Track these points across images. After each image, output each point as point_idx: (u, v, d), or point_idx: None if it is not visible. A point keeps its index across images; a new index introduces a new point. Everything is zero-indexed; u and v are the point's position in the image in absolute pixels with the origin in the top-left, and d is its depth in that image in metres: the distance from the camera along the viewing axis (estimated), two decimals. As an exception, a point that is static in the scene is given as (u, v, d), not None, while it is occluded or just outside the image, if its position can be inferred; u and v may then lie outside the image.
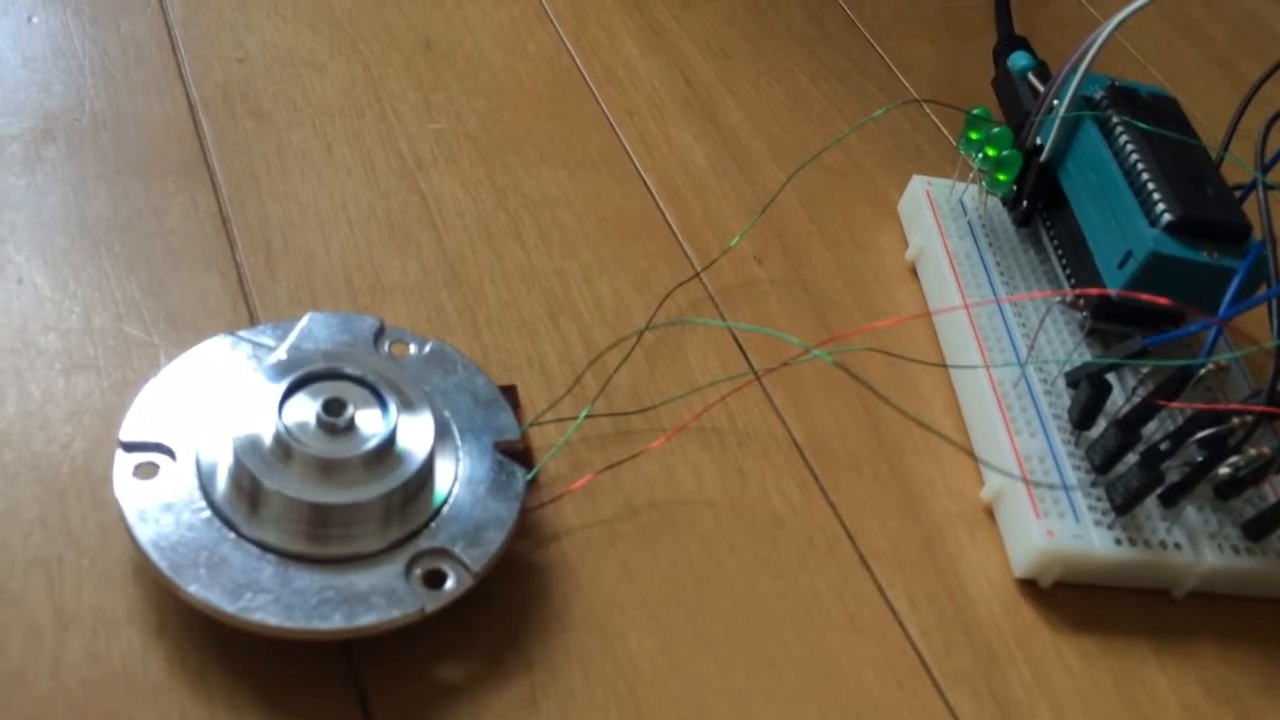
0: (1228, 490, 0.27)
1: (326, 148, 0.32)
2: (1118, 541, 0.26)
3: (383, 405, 0.23)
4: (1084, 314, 0.30)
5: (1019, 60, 0.34)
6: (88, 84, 0.31)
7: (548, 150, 0.34)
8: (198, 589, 0.20)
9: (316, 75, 0.34)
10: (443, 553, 0.22)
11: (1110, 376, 0.28)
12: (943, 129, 0.38)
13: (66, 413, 0.24)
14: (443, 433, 0.24)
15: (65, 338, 0.26)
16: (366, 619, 0.21)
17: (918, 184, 0.34)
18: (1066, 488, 0.26)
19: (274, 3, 0.35)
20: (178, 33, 0.34)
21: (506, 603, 0.23)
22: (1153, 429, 0.27)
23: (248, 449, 0.22)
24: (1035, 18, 0.45)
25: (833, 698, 0.24)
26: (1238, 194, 0.29)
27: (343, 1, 0.36)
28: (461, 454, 0.24)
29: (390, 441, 0.22)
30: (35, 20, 0.33)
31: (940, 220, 0.32)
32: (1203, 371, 0.27)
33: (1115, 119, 0.30)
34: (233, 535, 0.21)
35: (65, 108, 0.31)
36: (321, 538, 0.21)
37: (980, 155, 0.32)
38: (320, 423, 0.22)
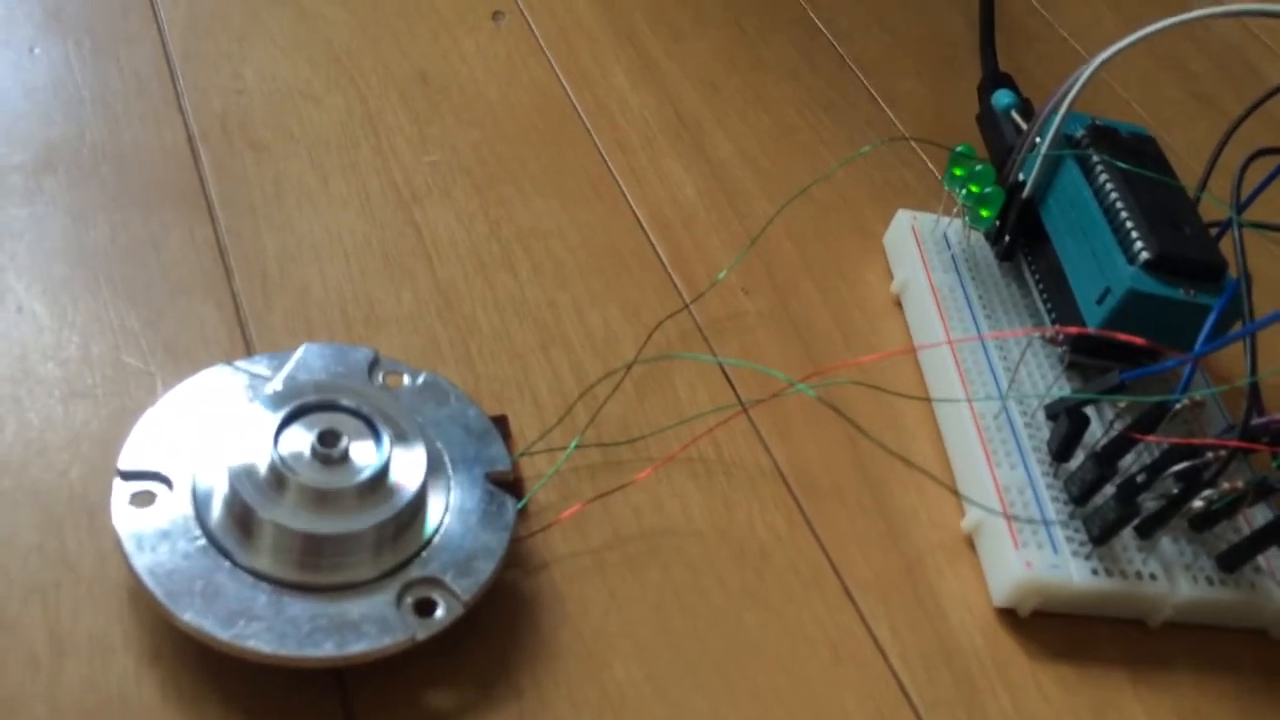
0: (1202, 523, 0.27)
1: (323, 179, 0.32)
2: (1095, 572, 0.26)
3: (376, 436, 0.23)
4: (1063, 348, 0.30)
5: (1002, 98, 0.35)
6: (88, 115, 0.32)
7: (541, 182, 0.34)
8: (192, 616, 0.21)
9: (314, 107, 0.34)
10: (434, 582, 0.23)
11: (1088, 410, 0.28)
12: (929, 164, 0.39)
13: (65, 441, 0.25)
14: (435, 463, 0.24)
15: (64, 366, 0.26)
16: (358, 647, 0.21)
17: (903, 218, 0.34)
18: (1045, 520, 0.27)
19: (272, 35, 0.36)
20: (177, 64, 0.34)
21: (496, 631, 0.24)
22: (1130, 462, 0.28)
23: (243, 478, 0.22)
24: (1021, 54, 0.46)
25: (815, 726, 0.24)
26: (1214, 232, 0.30)
27: (340, 35, 0.37)
28: (453, 484, 0.24)
29: (383, 473, 0.23)
30: (37, 51, 0.33)
31: (925, 254, 0.33)
32: (1179, 406, 0.27)
33: (1095, 158, 0.31)
34: (227, 564, 0.22)
35: (65, 138, 0.31)
36: (314, 566, 0.22)
37: (964, 191, 0.32)
38: (315, 453, 0.22)
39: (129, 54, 0.34)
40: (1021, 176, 0.32)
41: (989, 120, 0.35)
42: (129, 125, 0.32)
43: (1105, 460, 0.27)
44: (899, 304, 0.34)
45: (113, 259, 0.29)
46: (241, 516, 0.22)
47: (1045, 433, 0.29)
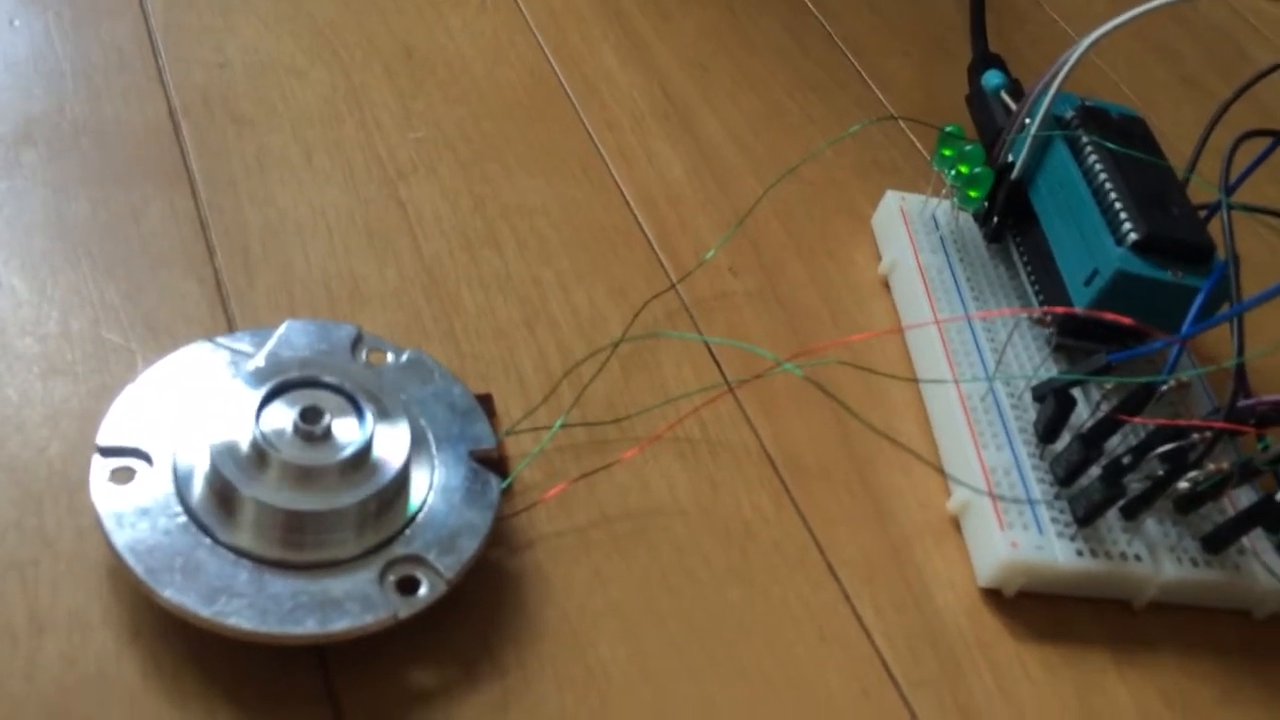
0: (1187, 504, 0.27)
1: (306, 155, 0.32)
2: (1080, 553, 0.26)
3: (359, 414, 0.23)
4: (1051, 330, 0.30)
5: (992, 79, 0.35)
6: (68, 88, 0.31)
7: (527, 160, 0.34)
8: (173, 593, 0.21)
9: (297, 82, 0.34)
10: (417, 560, 0.22)
11: (1075, 391, 0.28)
12: (918, 145, 0.39)
13: (44, 417, 0.24)
14: (418, 441, 0.24)
15: (43, 342, 0.26)
16: (340, 624, 0.21)
17: (891, 199, 0.34)
18: (1031, 501, 0.27)
19: (255, 8, 0.36)
20: (159, 37, 0.34)
21: (480, 609, 0.24)
22: (1115, 443, 0.28)
23: (224, 455, 0.22)
24: (1012, 35, 0.46)
25: (800, 705, 0.24)
26: (1203, 214, 0.30)
27: (324, 8, 0.37)
28: (437, 462, 0.24)
29: (366, 450, 0.22)
30: (17, 24, 0.33)
31: (913, 235, 0.33)
32: (1165, 388, 0.27)
33: (1085, 139, 0.31)
34: (208, 540, 0.21)
35: (46, 111, 0.31)
36: (297, 544, 0.22)
37: (953, 172, 0.32)
38: (297, 430, 0.22)
39: (110, 27, 0.34)
40: (1011, 157, 0.32)
41: (979, 101, 0.35)
42: (110, 99, 0.32)
43: (1091, 442, 0.27)
44: (887, 285, 0.34)
45: (93, 233, 0.28)
46: (223, 493, 0.22)
47: (1032, 414, 0.29)
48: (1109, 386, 0.28)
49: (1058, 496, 0.27)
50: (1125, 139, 0.31)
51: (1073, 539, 0.27)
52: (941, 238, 0.33)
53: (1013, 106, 0.33)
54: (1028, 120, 0.32)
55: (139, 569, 0.21)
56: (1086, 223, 0.29)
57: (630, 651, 0.24)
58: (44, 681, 0.21)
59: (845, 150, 0.38)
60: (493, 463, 0.25)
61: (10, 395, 0.25)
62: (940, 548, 0.28)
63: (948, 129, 0.32)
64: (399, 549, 0.22)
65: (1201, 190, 0.31)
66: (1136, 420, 0.27)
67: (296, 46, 0.35)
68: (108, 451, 0.22)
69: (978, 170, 0.32)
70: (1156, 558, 0.27)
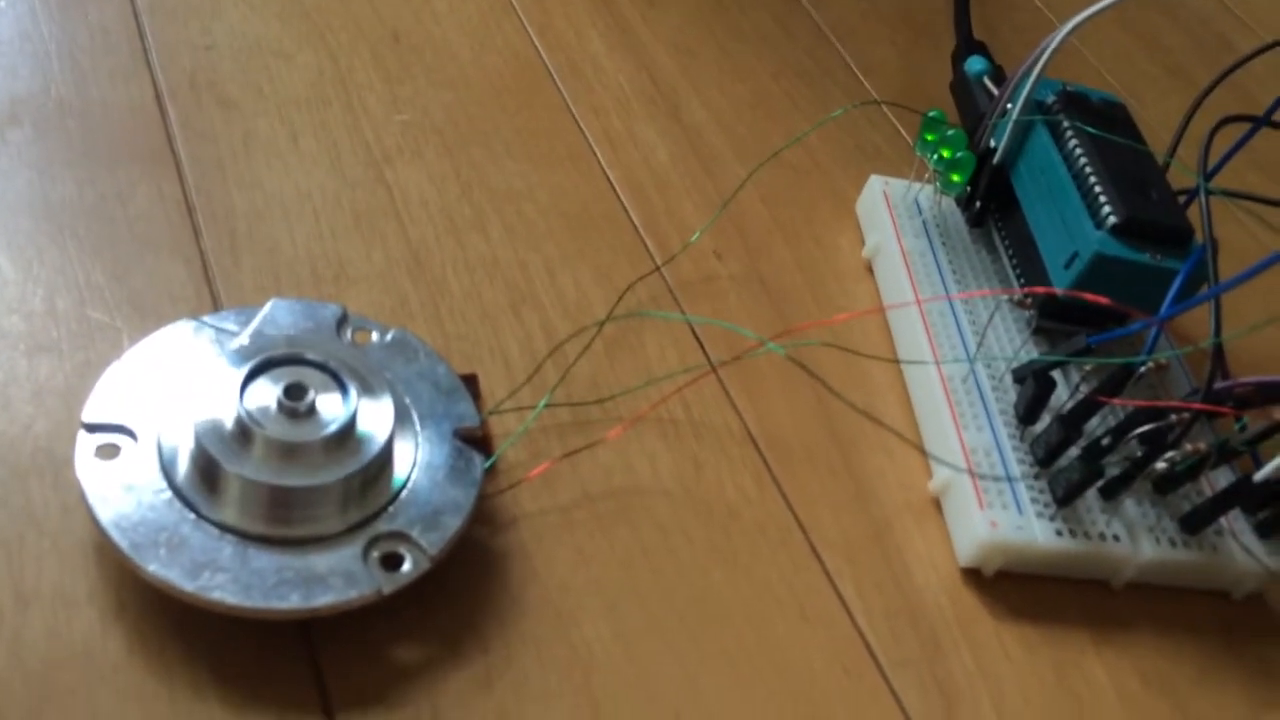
0: (1166, 485, 0.28)
1: (293, 137, 0.32)
2: (1059, 533, 0.27)
3: (343, 390, 0.23)
4: (1031, 312, 0.31)
5: (975, 64, 0.35)
6: (54, 69, 0.31)
7: (513, 144, 0.34)
8: (157, 568, 0.21)
9: (284, 64, 0.34)
10: (400, 536, 0.23)
11: (1055, 373, 0.28)
12: (901, 130, 0.39)
13: (29, 394, 0.25)
14: (402, 418, 0.24)
15: (28, 320, 0.26)
16: (324, 599, 0.21)
17: (875, 183, 0.34)
18: (1010, 480, 0.27)
19: (242, -8, 0.36)
20: (145, 19, 0.34)
21: (463, 586, 0.24)
22: (1094, 424, 0.28)
23: (209, 432, 0.22)
24: (996, 22, 0.46)
25: (782, 684, 0.24)
26: (1182, 199, 0.30)
27: (311, -8, 0.37)
28: (421, 440, 0.24)
29: (350, 426, 0.23)
30: (2, 4, 0.33)
31: (896, 219, 0.33)
32: (1143, 369, 0.27)
33: (1066, 123, 0.31)
34: (193, 516, 0.22)
35: (31, 92, 0.31)
36: (281, 520, 0.22)
37: (935, 156, 0.32)
38: (281, 407, 0.22)
39: (97, 8, 0.33)
40: (993, 142, 0.32)
41: (962, 87, 0.35)
42: (96, 80, 0.32)
43: (1070, 423, 0.27)
44: (870, 269, 0.34)
45: (79, 214, 0.28)
46: (207, 470, 0.22)
47: (1012, 395, 0.29)
48: (1088, 368, 0.28)
49: (1037, 477, 0.28)
50: (1106, 124, 0.31)
51: (1052, 519, 0.27)
52: (924, 222, 0.33)
53: (995, 92, 0.33)
54: (1010, 105, 0.32)
55: (124, 544, 0.21)
56: (1067, 206, 0.30)
57: (613, 630, 0.24)
58: (29, 657, 0.21)
59: (829, 135, 0.38)
60: (476, 441, 0.25)
61: (-5, 373, 0.25)
62: (921, 528, 0.28)
63: (930, 114, 0.33)
64: (383, 525, 0.23)
65: (1181, 175, 0.31)
66: (1115, 401, 0.27)
67: (283, 29, 0.35)
68: (93, 428, 0.22)
69: (960, 155, 0.32)
70: (1135, 538, 0.27)
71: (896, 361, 0.31)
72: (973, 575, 0.27)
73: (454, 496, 0.23)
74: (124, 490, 0.22)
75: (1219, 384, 0.27)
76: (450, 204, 0.32)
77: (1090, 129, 0.30)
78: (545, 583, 0.25)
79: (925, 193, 0.34)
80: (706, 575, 0.26)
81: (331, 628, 0.22)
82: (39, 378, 0.25)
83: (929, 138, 0.32)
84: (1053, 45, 0.31)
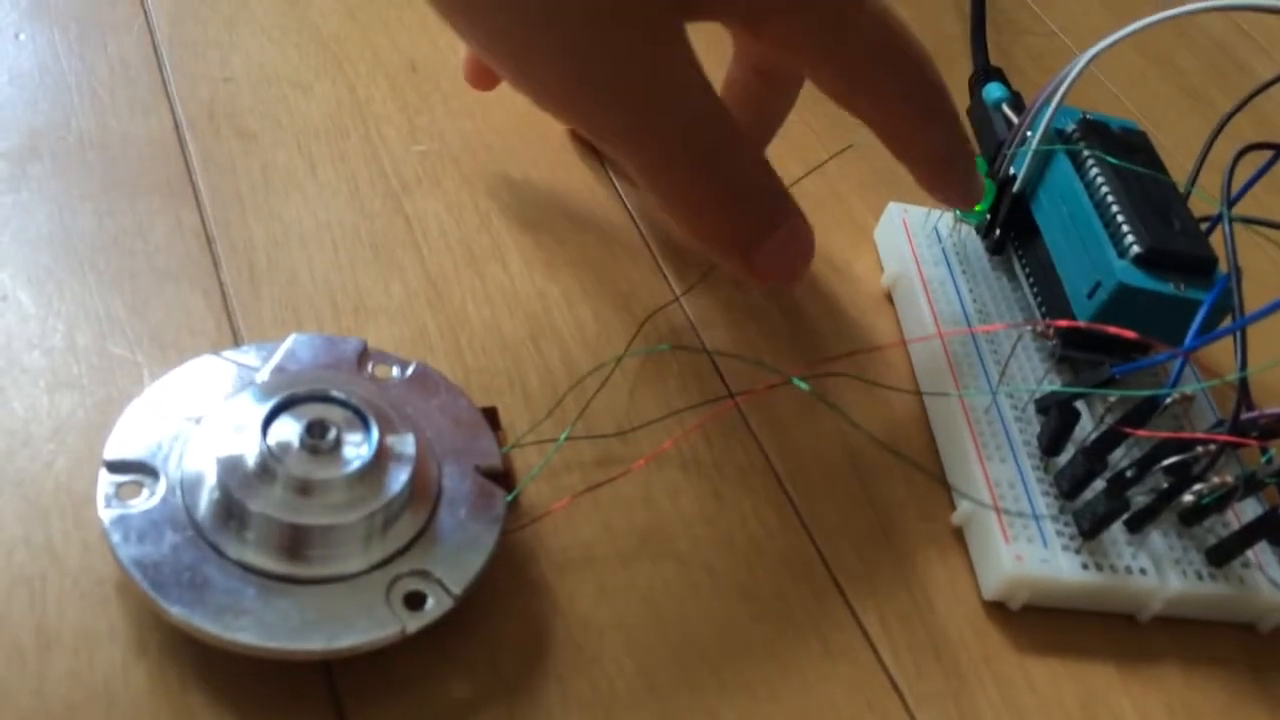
0: (1192, 517, 0.28)
1: (311, 168, 0.32)
2: (1084, 566, 0.26)
3: (366, 428, 0.23)
4: (1054, 342, 0.30)
5: (993, 91, 0.35)
6: (74, 102, 0.32)
7: (531, 173, 0.34)
8: (180, 609, 0.21)
9: (302, 96, 0.34)
10: (423, 574, 0.22)
11: (1079, 404, 0.28)
12: (919, 156, 0.39)
13: (50, 431, 0.24)
14: (424, 455, 0.24)
15: (49, 355, 0.26)
16: (347, 640, 0.21)
17: (894, 211, 0.34)
18: (1036, 516, 0.27)
19: (261, 23, 0.36)
20: (164, 51, 0.34)
21: (486, 624, 0.24)
22: (1119, 456, 0.28)
23: (231, 469, 0.22)
24: (1011, 48, 0.46)
25: (805, 719, 0.24)
26: (1204, 227, 0.30)
27: (329, 23, 0.37)
28: (443, 476, 0.24)
29: (373, 463, 0.22)
30: (22, 38, 0.33)
31: (915, 247, 0.33)
32: (1169, 401, 0.27)
33: (1086, 152, 0.31)
34: (215, 555, 0.21)
35: (51, 125, 0.31)
36: (303, 558, 0.22)
37: (955, 185, 0.32)
38: (303, 444, 0.22)
39: (116, 41, 0.34)
40: (1012, 170, 0.32)
41: (979, 114, 0.35)
42: (116, 113, 0.32)
43: (1095, 455, 0.27)
44: (889, 297, 0.34)
45: (99, 247, 0.28)
46: (229, 508, 0.22)
47: (1036, 427, 0.29)
48: (1113, 399, 0.28)
49: (1062, 510, 0.27)
50: (1127, 152, 0.31)
51: (1077, 552, 0.27)
52: (944, 250, 0.33)
53: (1014, 119, 0.33)
54: (1029, 133, 0.32)
55: (146, 584, 0.21)
56: (1089, 235, 0.30)
57: (635, 666, 0.24)
58: (51, 698, 0.21)
59: (847, 162, 0.38)
60: (498, 476, 0.25)
61: (16, 409, 0.25)
62: (944, 561, 0.28)
63: (950, 142, 0.32)
64: (405, 564, 0.22)
65: (1203, 203, 0.31)
66: (1140, 433, 0.27)
67: (301, 60, 0.35)
68: (114, 466, 0.22)
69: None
70: (1161, 571, 0.27)
71: (918, 393, 0.31)
72: (996, 608, 0.27)
73: (476, 533, 0.23)
74: (146, 529, 0.22)
75: (1245, 415, 0.26)
76: (469, 234, 0.32)
77: (1111, 158, 0.30)
78: (567, 619, 0.24)
79: (945, 220, 0.34)
80: (729, 609, 0.26)
81: (354, 667, 0.22)
82: (60, 414, 0.25)
83: (948, 166, 0.32)
84: (1073, 74, 0.31)
